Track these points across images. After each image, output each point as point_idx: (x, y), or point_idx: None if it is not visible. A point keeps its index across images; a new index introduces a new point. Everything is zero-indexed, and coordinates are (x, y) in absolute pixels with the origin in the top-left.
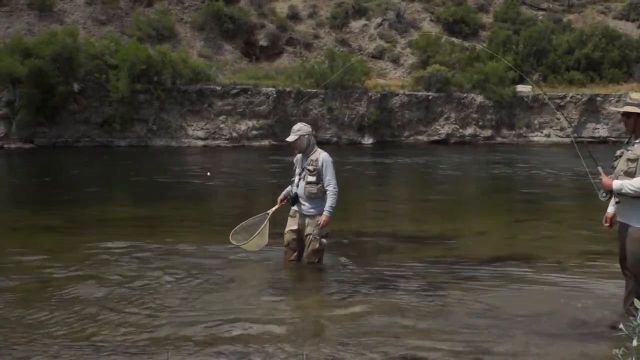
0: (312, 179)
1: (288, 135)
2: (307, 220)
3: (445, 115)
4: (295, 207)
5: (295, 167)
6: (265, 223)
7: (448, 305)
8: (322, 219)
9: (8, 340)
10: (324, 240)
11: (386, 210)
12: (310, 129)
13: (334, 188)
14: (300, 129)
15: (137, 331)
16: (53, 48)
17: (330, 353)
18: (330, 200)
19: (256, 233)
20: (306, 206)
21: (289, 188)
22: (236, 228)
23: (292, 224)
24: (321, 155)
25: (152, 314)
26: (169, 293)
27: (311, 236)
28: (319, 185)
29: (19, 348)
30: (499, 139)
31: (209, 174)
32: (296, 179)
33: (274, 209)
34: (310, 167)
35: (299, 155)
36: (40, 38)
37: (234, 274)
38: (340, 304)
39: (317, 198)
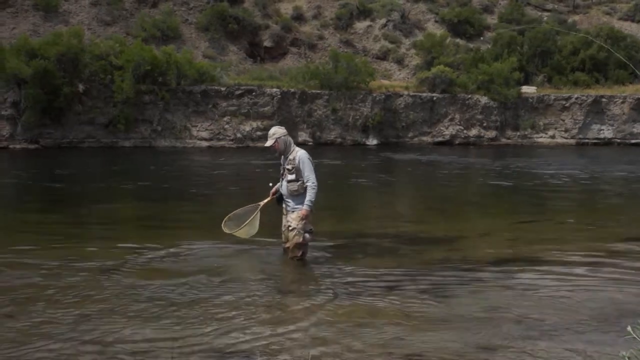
0: (291, 177)
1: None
2: (291, 216)
3: (450, 117)
4: (283, 205)
5: (281, 167)
6: (256, 213)
7: (452, 307)
8: (301, 212)
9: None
10: (307, 235)
11: (389, 211)
12: (284, 131)
13: (313, 183)
14: (275, 133)
15: (140, 332)
16: (58, 49)
17: (335, 354)
18: (309, 195)
19: (247, 222)
20: (291, 204)
21: (278, 184)
22: (229, 215)
23: (285, 222)
24: (298, 154)
25: (155, 314)
26: (169, 294)
27: (295, 230)
28: (299, 182)
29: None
30: (504, 140)
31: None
32: (281, 178)
33: (265, 201)
34: (289, 166)
35: (282, 156)
36: (45, 39)
37: (237, 275)
38: (344, 305)
39: (300, 195)
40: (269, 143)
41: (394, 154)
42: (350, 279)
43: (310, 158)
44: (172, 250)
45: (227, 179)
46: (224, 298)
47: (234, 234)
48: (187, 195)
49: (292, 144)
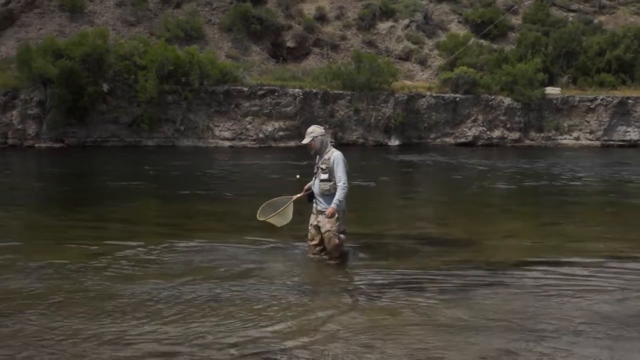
0: (324, 176)
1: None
2: (323, 217)
3: (473, 117)
4: (314, 204)
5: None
6: (288, 204)
7: (474, 309)
8: (328, 210)
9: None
10: (342, 236)
11: (411, 212)
12: (323, 131)
13: (344, 184)
14: (313, 131)
15: (159, 331)
16: (83, 49)
17: (355, 355)
18: (338, 194)
19: (279, 211)
20: (322, 204)
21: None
22: (264, 204)
23: (313, 220)
24: (333, 154)
25: (175, 314)
26: (191, 293)
27: (330, 233)
28: (332, 183)
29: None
30: (527, 142)
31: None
32: (314, 177)
33: (299, 195)
34: (323, 166)
35: (317, 155)
36: (71, 39)
37: (257, 274)
38: (366, 306)
39: (331, 195)
40: (305, 140)
41: (415, 154)
42: (371, 280)
43: (345, 160)
44: (195, 248)
45: (248, 179)
46: (244, 297)
47: (267, 220)
48: (206, 194)
49: (329, 144)
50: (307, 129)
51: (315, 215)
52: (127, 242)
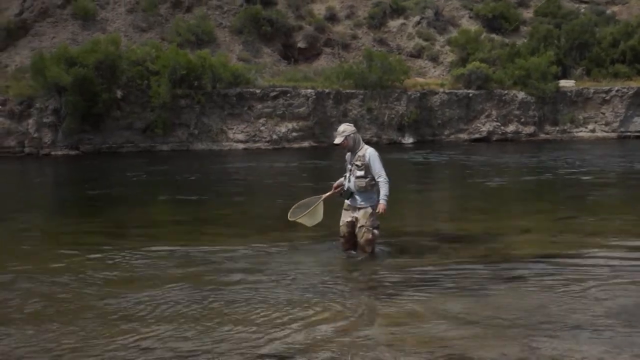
0: (360, 173)
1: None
2: (359, 213)
3: (487, 113)
4: (348, 201)
5: (347, 163)
6: (317, 203)
7: (493, 305)
8: (380, 207)
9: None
10: (375, 231)
11: (427, 209)
12: (353, 128)
13: (385, 178)
14: (344, 130)
15: (180, 334)
16: (96, 56)
17: (374, 354)
18: (384, 189)
19: (308, 210)
20: (358, 200)
21: (342, 179)
22: (295, 205)
23: (346, 217)
24: (367, 151)
25: (198, 315)
26: (214, 294)
27: (364, 228)
28: (368, 179)
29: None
30: (542, 136)
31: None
32: (347, 174)
33: (328, 194)
34: (358, 163)
35: (349, 153)
36: (84, 47)
37: (275, 275)
38: (385, 304)
39: (367, 191)
40: (338, 140)
41: (430, 151)
42: (389, 277)
43: (379, 155)
44: (213, 251)
45: (264, 182)
46: (263, 298)
47: (297, 220)
48: (220, 197)
49: (361, 141)
50: (321, 128)
51: (349, 212)
52: (133, 245)
